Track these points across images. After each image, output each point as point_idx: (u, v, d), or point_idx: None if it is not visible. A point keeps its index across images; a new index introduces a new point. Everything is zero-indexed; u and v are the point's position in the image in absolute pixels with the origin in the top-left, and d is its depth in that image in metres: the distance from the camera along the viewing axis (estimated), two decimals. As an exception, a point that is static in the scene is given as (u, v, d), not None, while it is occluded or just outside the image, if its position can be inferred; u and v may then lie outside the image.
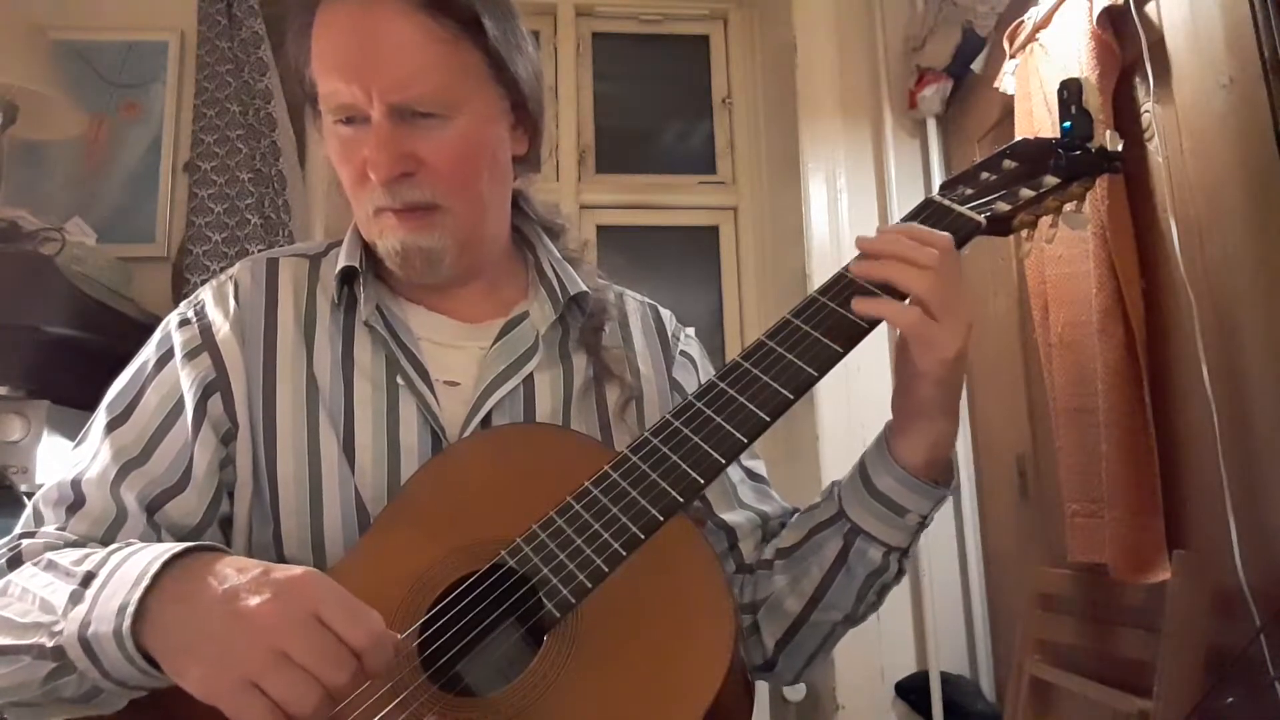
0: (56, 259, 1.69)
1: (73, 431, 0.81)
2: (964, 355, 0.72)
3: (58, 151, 2.18)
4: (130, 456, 0.77)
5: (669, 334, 0.97)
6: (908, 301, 0.73)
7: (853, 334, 0.73)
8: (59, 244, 1.74)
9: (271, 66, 2.17)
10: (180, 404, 0.80)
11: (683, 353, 0.96)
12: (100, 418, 0.80)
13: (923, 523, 0.79)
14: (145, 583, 0.60)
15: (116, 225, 2.14)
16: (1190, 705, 1.20)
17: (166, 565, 0.61)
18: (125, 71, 2.27)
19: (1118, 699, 1.39)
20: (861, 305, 0.73)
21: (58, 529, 0.73)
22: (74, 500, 0.74)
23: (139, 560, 0.63)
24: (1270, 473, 1.20)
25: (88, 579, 0.64)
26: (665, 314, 0.99)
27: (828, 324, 0.73)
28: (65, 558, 0.67)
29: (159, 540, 0.75)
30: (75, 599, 0.63)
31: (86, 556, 0.67)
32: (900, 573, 0.82)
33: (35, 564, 0.68)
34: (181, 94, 2.25)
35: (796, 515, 0.88)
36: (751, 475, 0.93)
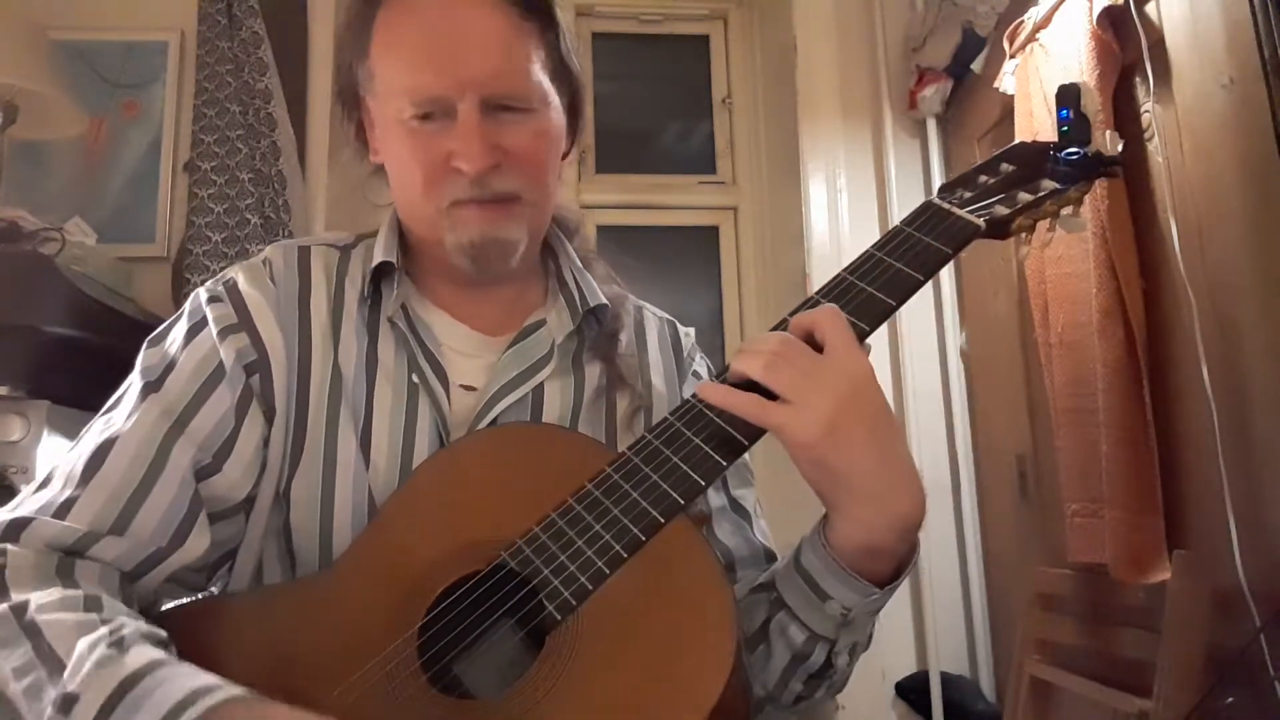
0: (56, 259, 1.69)
1: (73, 431, 0.80)
2: (835, 431, 0.65)
3: (58, 151, 2.18)
4: (171, 423, 0.73)
5: (685, 351, 0.96)
6: None
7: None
8: (59, 244, 1.74)
9: (272, 66, 2.17)
10: (220, 370, 0.77)
11: (694, 373, 0.95)
12: (134, 382, 0.76)
13: (846, 616, 0.70)
14: None
15: (116, 225, 2.14)
16: (1190, 705, 1.20)
17: None
18: (125, 71, 2.26)
19: (1118, 699, 1.39)
20: (705, 391, 0.70)
21: (66, 500, 0.68)
22: (95, 464, 0.69)
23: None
24: (1270, 473, 1.20)
25: (68, 705, 0.54)
26: (683, 330, 0.98)
27: None
28: (50, 624, 0.58)
29: (186, 521, 0.71)
30: None
31: (76, 636, 0.57)
32: (830, 666, 0.73)
33: (16, 611, 0.59)
34: (181, 94, 2.25)
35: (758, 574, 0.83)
36: (735, 505, 0.89)
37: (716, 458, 0.68)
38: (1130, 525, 1.36)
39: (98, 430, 0.73)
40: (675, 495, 0.66)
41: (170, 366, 0.76)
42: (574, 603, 0.64)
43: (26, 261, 1.68)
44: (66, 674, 0.55)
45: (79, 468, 0.69)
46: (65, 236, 1.77)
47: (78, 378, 1.26)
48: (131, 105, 2.25)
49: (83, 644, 0.57)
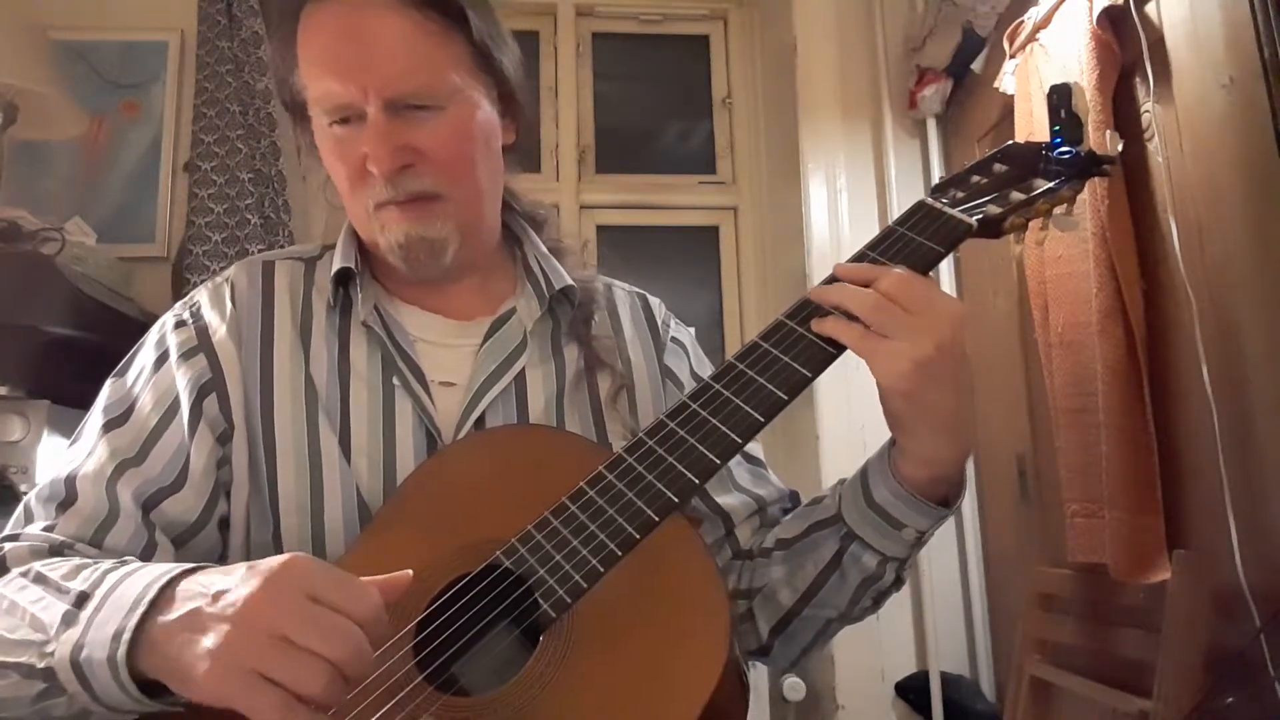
0: (56, 259, 1.70)
1: (72, 431, 0.81)
2: (929, 370, 0.68)
3: (58, 151, 2.18)
4: (127, 456, 0.77)
5: (659, 322, 0.97)
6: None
7: None
8: (59, 244, 1.74)
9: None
10: (176, 404, 0.80)
11: (673, 339, 0.96)
12: (96, 419, 0.80)
13: (920, 538, 0.77)
14: (141, 609, 0.59)
15: (116, 225, 2.15)
16: (1190, 705, 1.20)
17: (163, 590, 0.60)
18: (125, 71, 2.27)
19: (1118, 699, 1.39)
20: (817, 325, 0.72)
21: (45, 528, 0.73)
22: (65, 497, 0.74)
23: (134, 584, 0.62)
24: (1270, 473, 1.20)
25: (82, 599, 0.63)
26: (654, 302, 0.99)
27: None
28: (55, 570, 0.67)
29: (151, 540, 0.75)
30: (68, 620, 0.62)
31: (78, 571, 0.66)
32: (899, 581, 0.80)
33: (24, 574, 0.67)
34: (181, 94, 2.25)
35: (801, 506, 0.88)
36: (748, 459, 0.92)
37: (711, 457, 0.68)
38: (1130, 525, 1.36)
39: (64, 464, 0.77)
40: (670, 494, 0.66)
41: (133, 404, 0.80)
42: (569, 600, 0.64)
43: (26, 261, 1.68)
44: (75, 583, 0.64)
45: (51, 504, 0.75)
46: (65, 236, 1.78)
47: (78, 378, 1.26)
48: (131, 105, 2.26)
49: (85, 570, 0.66)
